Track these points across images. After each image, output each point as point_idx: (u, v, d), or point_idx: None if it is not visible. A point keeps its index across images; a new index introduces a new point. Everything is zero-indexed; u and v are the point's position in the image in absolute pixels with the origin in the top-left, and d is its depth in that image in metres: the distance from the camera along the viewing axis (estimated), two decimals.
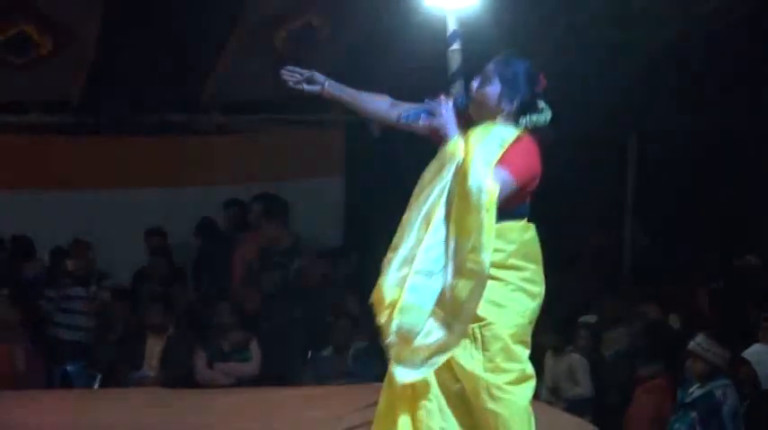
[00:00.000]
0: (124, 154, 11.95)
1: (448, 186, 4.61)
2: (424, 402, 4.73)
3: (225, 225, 11.41)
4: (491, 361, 4.68)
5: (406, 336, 4.59)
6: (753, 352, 8.30)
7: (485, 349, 4.68)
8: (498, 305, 4.69)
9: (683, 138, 11.21)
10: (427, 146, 4.88)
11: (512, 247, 4.73)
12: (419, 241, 4.62)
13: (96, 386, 9.89)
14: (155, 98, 11.55)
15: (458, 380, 4.73)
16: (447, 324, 4.59)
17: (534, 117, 4.81)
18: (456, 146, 4.64)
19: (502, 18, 9.51)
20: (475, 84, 4.84)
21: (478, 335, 4.67)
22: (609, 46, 10.17)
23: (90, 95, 11.32)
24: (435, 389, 4.73)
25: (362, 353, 9.92)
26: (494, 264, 4.60)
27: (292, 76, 5.03)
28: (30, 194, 11.61)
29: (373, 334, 10.55)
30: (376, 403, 7.78)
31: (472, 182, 4.53)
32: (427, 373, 4.65)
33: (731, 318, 9.20)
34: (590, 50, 10.19)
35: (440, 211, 4.62)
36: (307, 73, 5.01)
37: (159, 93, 11.42)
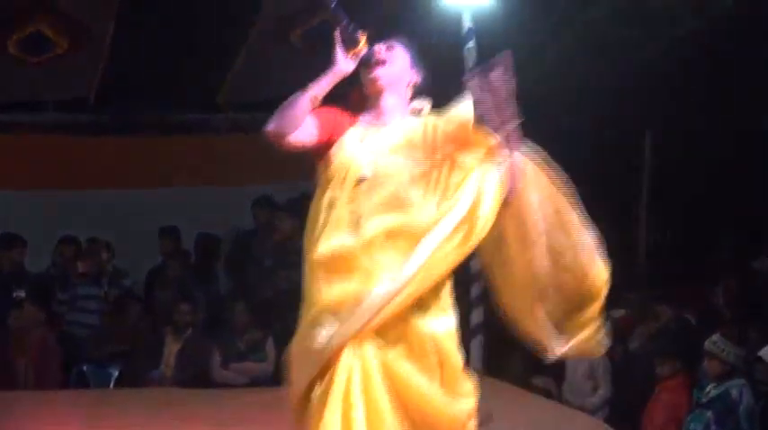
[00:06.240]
0: (140, 153, 11.98)
1: None
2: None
3: (254, 224, 11.41)
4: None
5: None
6: None
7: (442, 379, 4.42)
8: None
9: (698, 137, 11.18)
10: None
11: None
12: None
13: (112, 385, 9.91)
14: (171, 97, 11.57)
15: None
16: None
17: None
18: None
19: (517, 16, 9.50)
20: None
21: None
22: (624, 43, 10.14)
23: (106, 94, 11.33)
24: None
25: None
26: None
27: None
28: (47, 193, 11.64)
29: None
30: None
31: None
32: None
33: (747, 318, 9.16)
34: (605, 48, 10.16)
35: None
36: None
37: (176, 92, 11.44)
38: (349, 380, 4.29)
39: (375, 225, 4.35)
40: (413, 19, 9.73)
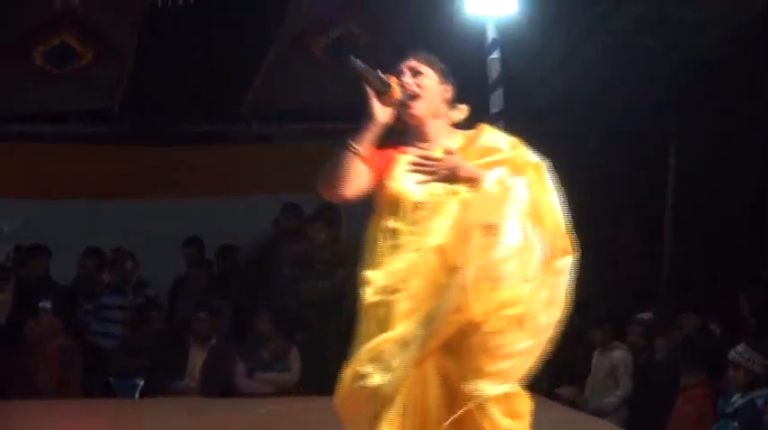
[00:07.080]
0: (164, 164, 12.01)
1: None
2: None
3: (274, 231, 11.37)
4: None
5: None
6: None
7: None
8: None
9: (724, 146, 11.14)
10: None
11: None
12: None
13: (137, 396, 9.92)
14: (195, 108, 11.60)
15: None
16: None
17: None
18: None
19: (541, 27, 9.48)
20: None
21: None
22: (649, 52, 10.12)
23: (130, 105, 11.37)
24: None
25: None
26: None
27: None
28: (71, 203, 11.69)
29: None
30: None
31: None
32: None
33: None
34: (630, 56, 10.14)
35: None
36: None
37: (199, 102, 11.46)
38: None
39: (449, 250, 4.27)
40: (436, 30, 9.74)
